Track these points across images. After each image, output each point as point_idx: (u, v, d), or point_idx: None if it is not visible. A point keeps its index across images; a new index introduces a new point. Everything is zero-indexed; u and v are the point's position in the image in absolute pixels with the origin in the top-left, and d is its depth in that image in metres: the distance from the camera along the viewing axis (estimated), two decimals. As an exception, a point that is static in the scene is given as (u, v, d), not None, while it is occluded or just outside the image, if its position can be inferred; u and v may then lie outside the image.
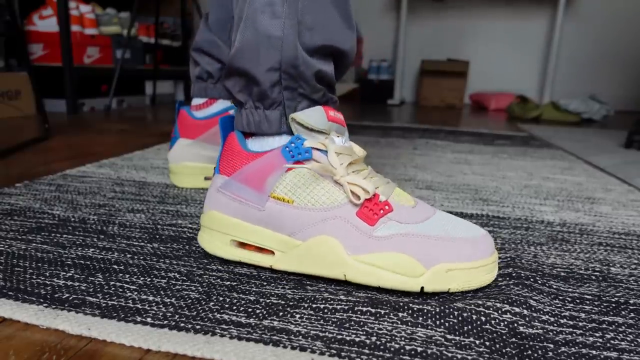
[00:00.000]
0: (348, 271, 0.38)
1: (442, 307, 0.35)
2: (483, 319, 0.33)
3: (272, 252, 0.41)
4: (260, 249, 0.42)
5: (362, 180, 0.39)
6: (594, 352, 0.31)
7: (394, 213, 0.39)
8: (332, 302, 0.36)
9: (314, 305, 0.35)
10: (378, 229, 0.38)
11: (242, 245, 0.42)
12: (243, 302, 0.35)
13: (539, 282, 0.40)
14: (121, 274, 0.39)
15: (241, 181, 0.42)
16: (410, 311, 0.35)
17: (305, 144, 0.40)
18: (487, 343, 0.31)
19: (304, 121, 0.40)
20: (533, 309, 0.35)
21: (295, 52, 0.40)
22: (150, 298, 0.35)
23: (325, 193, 0.39)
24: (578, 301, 0.38)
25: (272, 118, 0.42)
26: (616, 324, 0.34)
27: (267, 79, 0.41)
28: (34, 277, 0.38)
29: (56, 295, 0.35)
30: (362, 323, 0.33)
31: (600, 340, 0.32)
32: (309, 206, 0.39)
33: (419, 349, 0.30)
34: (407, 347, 0.30)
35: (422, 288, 0.37)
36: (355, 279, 0.38)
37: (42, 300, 0.34)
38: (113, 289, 0.37)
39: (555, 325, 0.34)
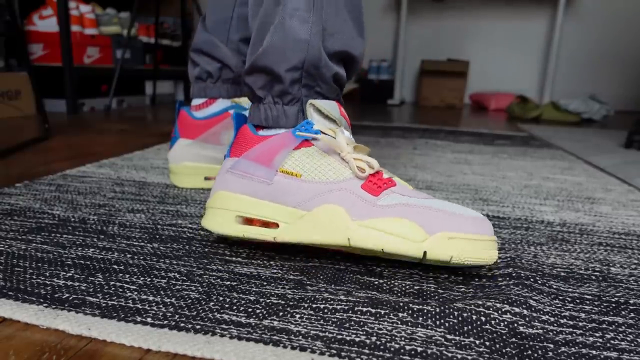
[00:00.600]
0: (352, 235, 0.39)
1: (442, 308, 0.35)
2: (483, 319, 0.33)
3: (277, 225, 0.43)
4: (265, 224, 0.43)
5: (367, 157, 0.43)
6: (594, 352, 0.31)
7: (396, 187, 0.42)
8: (332, 302, 0.36)
9: (314, 305, 0.35)
10: (382, 199, 0.41)
11: (247, 221, 0.44)
12: (243, 302, 0.35)
13: (539, 282, 0.40)
14: (121, 274, 0.39)
15: (251, 159, 0.45)
16: (410, 311, 0.35)
17: (315, 127, 0.44)
18: (487, 343, 0.31)
19: (322, 107, 0.44)
20: (533, 309, 0.35)
21: (319, 54, 0.45)
22: (150, 298, 0.35)
23: (332, 168, 0.42)
24: (578, 301, 0.38)
25: (289, 113, 0.46)
26: (616, 324, 0.34)
27: (289, 77, 0.45)
28: (34, 277, 0.38)
29: (56, 295, 0.35)
30: (362, 323, 0.33)
31: (600, 340, 0.32)
32: (316, 180, 0.42)
33: (419, 349, 0.30)
34: (407, 347, 0.30)
35: (425, 253, 0.37)
36: (359, 244, 0.39)
37: (42, 300, 0.34)
38: (113, 289, 0.37)
39: (555, 325, 0.34)
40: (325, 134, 0.44)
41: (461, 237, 0.38)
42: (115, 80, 1.76)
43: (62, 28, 1.56)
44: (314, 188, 0.42)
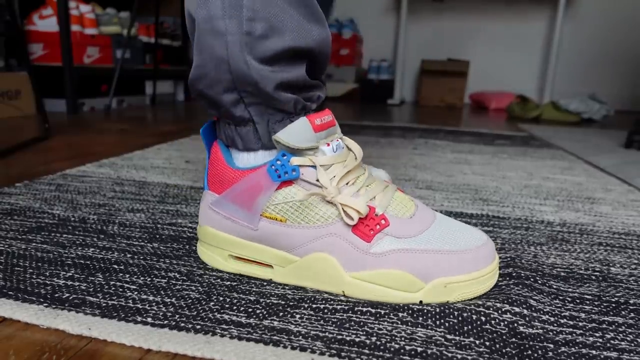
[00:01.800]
0: (346, 288, 0.37)
1: (442, 308, 0.35)
2: (483, 319, 0.33)
3: (271, 266, 0.40)
4: (259, 263, 0.41)
5: (355, 200, 0.37)
6: (594, 352, 0.31)
7: (390, 227, 0.38)
8: (332, 302, 0.36)
9: (314, 306, 0.35)
10: (375, 245, 0.37)
11: (241, 259, 0.41)
12: (243, 302, 0.35)
13: (539, 282, 0.40)
14: (121, 274, 0.39)
15: (231, 201, 0.40)
16: (410, 311, 0.35)
17: (292, 162, 0.38)
18: (487, 343, 0.31)
19: (285, 142, 0.37)
20: (533, 309, 0.35)
21: (245, 70, 0.36)
22: (151, 298, 0.35)
23: (319, 211, 0.38)
24: (578, 301, 0.38)
25: (243, 135, 0.40)
26: (616, 324, 0.34)
27: (226, 100, 0.39)
28: (34, 276, 0.38)
29: (56, 295, 0.35)
30: (362, 323, 0.33)
31: (600, 340, 0.32)
32: (302, 224, 0.38)
33: (419, 349, 0.30)
34: (407, 347, 0.30)
35: (421, 301, 0.37)
36: (355, 295, 0.37)
37: (42, 300, 0.34)
38: (113, 288, 0.37)
39: (555, 325, 0.34)
40: (306, 165, 0.38)
41: (459, 282, 0.36)
42: (115, 80, 1.76)
43: (62, 28, 1.56)
44: (301, 234, 0.38)
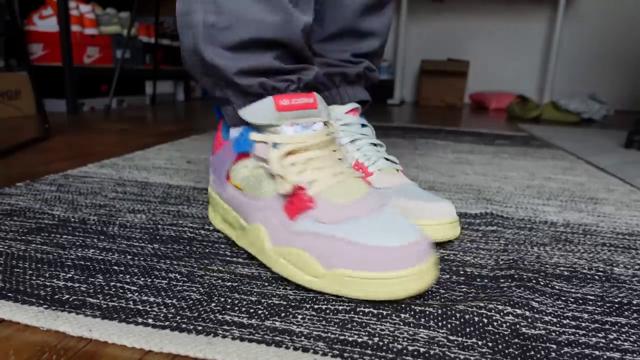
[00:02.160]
0: (268, 260, 0.40)
1: (444, 309, 0.35)
2: (485, 320, 0.33)
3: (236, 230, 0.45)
4: (231, 224, 0.47)
5: (290, 174, 0.39)
6: (596, 352, 0.31)
7: (314, 211, 0.38)
8: (334, 303, 0.36)
9: (316, 306, 0.35)
10: (296, 224, 0.38)
11: (224, 219, 0.48)
12: (245, 302, 0.35)
13: (542, 282, 0.40)
14: (122, 275, 0.39)
15: (213, 166, 0.48)
16: (412, 312, 0.34)
17: (250, 136, 0.41)
18: (490, 344, 0.31)
19: (247, 118, 0.42)
20: (535, 310, 0.35)
21: (209, 59, 0.41)
22: (151, 299, 0.35)
23: (265, 185, 0.41)
24: (581, 302, 0.37)
25: (228, 113, 0.45)
26: (619, 324, 0.34)
27: (206, 84, 0.44)
28: (34, 278, 0.38)
29: (56, 297, 0.35)
30: (364, 324, 0.33)
31: (603, 341, 0.32)
32: (251, 195, 0.42)
33: (422, 350, 0.30)
34: (410, 348, 0.30)
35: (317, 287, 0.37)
36: (271, 268, 0.40)
37: (42, 302, 0.34)
38: (113, 289, 0.37)
39: (558, 326, 0.33)
40: (262, 141, 0.41)
41: (361, 277, 0.35)
42: (115, 80, 1.76)
43: (62, 28, 1.56)
44: (250, 203, 0.42)
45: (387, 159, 0.55)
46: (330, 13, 0.58)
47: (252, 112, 0.41)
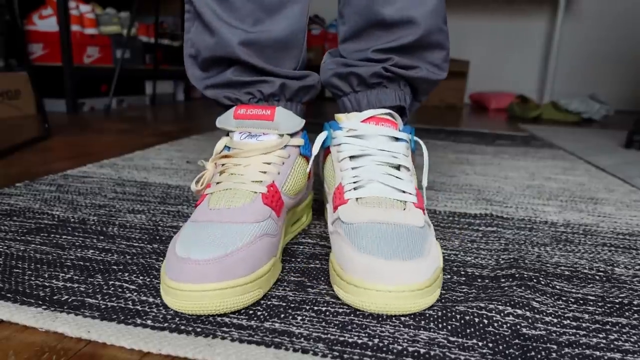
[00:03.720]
0: None
1: (444, 311, 0.35)
2: (485, 321, 0.33)
3: None
4: None
5: (211, 173, 0.45)
6: (597, 353, 0.30)
7: (196, 210, 0.41)
8: (333, 305, 0.35)
9: (315, 308, 0.35)
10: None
11: None
12: (244, 303, 0.35)
13: (542, 282, 0.40)
14: (121, 275, 0.39)
15: None
16: (412, 315, 0.34)
17: (220, 142, 0.47)
18: (490, 345, 0.31)
19: (217, 123, 0.48)
20: (536, 310, 0.35)
21: (191, 78, 0.53)
22: (150, 300, 0.35)
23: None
24: (581, 302, 0.37)
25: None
26: (620, 325, 0.34)
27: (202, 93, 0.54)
28: (33, 278, 0.38)
29: (55, 297, 0.35)
30: (364, 326, 0.33)
31: (604, 341, 0.32)
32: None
33: (422, 351, 0.30)
34: (410, 349, 0.30)
35: None
36: None
37: (40, 302, 0.34)
38: (112, 289, 0.36)
39: (558, 326, 0.33)
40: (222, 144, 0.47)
41: (163, 282, 0.34)
42: (115, 80, 1.76)
43: (62, 28, 1.56)
44: None
45: (394, 187, 0.42)
46: (349, 8, 0.53)
47: (220, 119, 0.47)
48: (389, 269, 0.33)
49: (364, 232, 0.37)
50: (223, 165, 0.44)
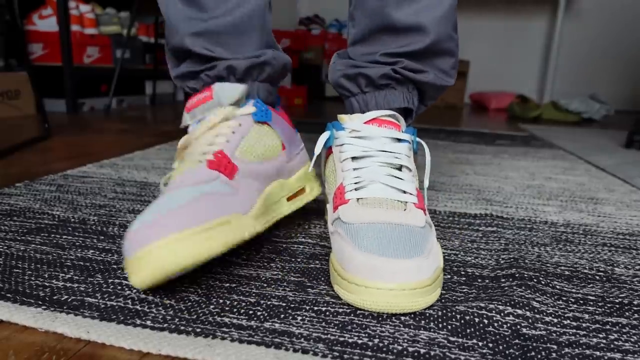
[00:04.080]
0: None
1: (444, 311, 0.35)
2: (486, 321, 0.33)
3: None
4: None
5: (172, 174, 0.44)
6: (597, 353, 0.30)
7: (173, 178, 0.41)
8: (333, 305, 0.35)
9: (315, 308, 0.35)
10: None
11: None
12: (243, 304, 0.35)
13: (542, 282, 0.40)
14: (121, 275, 0.39)
15: None
16: (412, 315, 0.34)
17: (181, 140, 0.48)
18: (490, 345, 0.31)
19: (182, 123, 0.49)
20: (536, 310, 0.35)
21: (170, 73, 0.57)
22: (150, 300, 0.35)
23: None
24: (582, 302, 0.37)
25: None
26: (620, 325, 0.34)
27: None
28: (33, 278, 0.38)
29: (55, 297, 0.35)
30: (364, 326, 0.33)
31: (604, 341, 0.32)
32: None
33: (422, 351, 0.30)
34: (410, 349, 0.30)
35: None
36: None
37: (40, 302, 0.34)
38: (112, 288, 0.36)
39: (558, 326, 0.33)
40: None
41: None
42: (115, 80, 1.76)
43: (61, 28, 1.56)
44: None
45: (395, 187, 0.42)
46: (359, 11, 0.53)
47: (183, 118, 0.48)
48: (390, 268, 0.34)
49: (364, 232, 0.37)
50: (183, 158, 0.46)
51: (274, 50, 0.54)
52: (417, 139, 0.49)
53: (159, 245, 0.32)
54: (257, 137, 0.47)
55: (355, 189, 0.42)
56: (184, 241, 0.33)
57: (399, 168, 0.44)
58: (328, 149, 0.50)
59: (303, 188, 0.53)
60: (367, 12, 0.52)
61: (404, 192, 0.42)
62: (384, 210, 0.40)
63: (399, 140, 0.46)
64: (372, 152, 0.44)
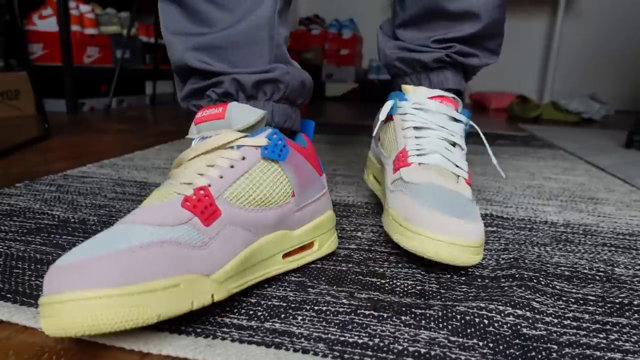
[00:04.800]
0: None
1: (445, 311, 0.35)
2: (486, 321, 0.33)
3: None
4: None
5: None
6: (598, 353, 0.30)
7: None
8: (334, 304, 0.35)
9: (316, 308, 0.35)
10: None
11: None
12: (244, 304, 0.35)
13: (542, 282, 0.40)
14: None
15: None
16: (412, 315, 0.34)
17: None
18: (491, 345, 0.31)
19: (189, 135, 0.45)
20: (536, 310, 0.35)
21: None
22: (151, 300, 0.35)
23: None
24: (582, 302, 0.37)
25: None
26: (620, 325, 0.34)
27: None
28: (33, 279, 0.38)
29: (56, 297, 0.35)
30: (364, 325, 0.33)
31: (604, 341, 0.32)
32: None
33: (422, 350, 0.30)
34: (411, 349, 0.30)
35: None
36: None
37: (41, 302, 0.34)
38: (113, 290, 0.36)
39: (559, 326, 0.33)
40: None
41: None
42: (115, 80, 1.76)
43: (61, 28, 1.56)
44: None
45: (450, 161, 0.47)
46: None
47: (190, 130, 0.43)
48: (452, 224, 0.39)
49: (425, 190, 0.43)
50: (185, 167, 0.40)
51: (287, 65, 0.47)
52: (471, 122, 0.53)
53: (72, 298, 0.26)
54: (259, 179, 0.38)
55: (417, 155, 0.48)
56: (101, 302, 0.26)
57: (453, 145, 0.50)
58: (387, 116, 0.55)
59: (311, 242, 0.43)
60: None
61: (457, 166, 0.48)
62: (443, 177, 0.46)
63: (456, 120, 0.51)
64: (432, 126, 0.50)
